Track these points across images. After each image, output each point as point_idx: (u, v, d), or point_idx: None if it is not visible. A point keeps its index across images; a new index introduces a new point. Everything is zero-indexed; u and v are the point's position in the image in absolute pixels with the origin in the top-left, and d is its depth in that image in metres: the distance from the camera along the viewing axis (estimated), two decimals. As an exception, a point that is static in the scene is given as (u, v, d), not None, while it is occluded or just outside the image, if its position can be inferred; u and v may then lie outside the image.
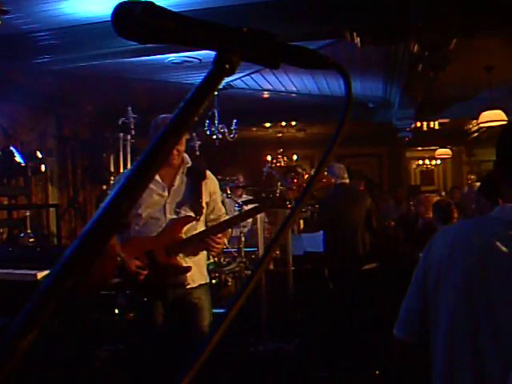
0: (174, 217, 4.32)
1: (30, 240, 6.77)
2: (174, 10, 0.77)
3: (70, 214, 10.60)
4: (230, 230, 4.69)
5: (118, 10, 0.79)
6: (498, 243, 1.85)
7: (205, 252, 4.53)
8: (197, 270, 4.40)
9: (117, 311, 6.11)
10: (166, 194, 4.36)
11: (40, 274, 2.95)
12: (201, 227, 4.40)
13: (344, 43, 6.29)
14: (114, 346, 5.91)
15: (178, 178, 4.40)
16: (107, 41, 6.67)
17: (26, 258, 3.28)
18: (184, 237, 4.31)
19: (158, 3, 0.77)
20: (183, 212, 4.34)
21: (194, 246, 4.30)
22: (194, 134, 9.98)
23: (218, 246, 4.27)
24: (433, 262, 2.03)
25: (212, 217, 4.53)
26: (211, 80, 0.71)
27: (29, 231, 6.93)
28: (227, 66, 0.72)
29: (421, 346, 2.13)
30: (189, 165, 4.47)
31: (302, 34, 6.19)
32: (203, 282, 4.48)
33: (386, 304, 6.71)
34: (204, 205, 4.43)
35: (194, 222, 4.35)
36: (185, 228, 4.32)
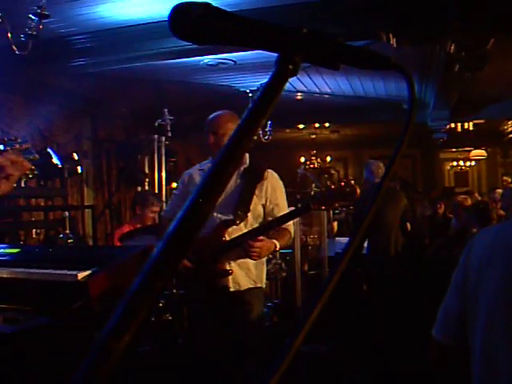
0: (222, 219, 4.28)
1: (69, 241, 6.83)
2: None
3: (105, 215, 10.67)
4: (288, 232, 4.46)
5: (176, 11, 0.79)
6: None
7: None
8: (243, 273, 4.35)
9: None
10: None
11: (80, 275, 2.96)
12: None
13: (380, 44, 6.25)
14: (151, 346, 5.94)
15: (232, 179, 4.36)
16: (142, 43, 6.72)
17: (67, 259, 3.30)
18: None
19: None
20: (227, 215, 4.29)
21: (233, 250, 4.25)
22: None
23: (255, 250, 4.12)
24: (473, 263, 2.02)
25: (271, 219, 4.40)
26: (277, 81, 0.71)
27: (67, 232, 7.00)
28: (291, 67, 0.72)
29: (459, 348, 2.12)
30: (246, 165, 4.41)
31: (338, 35, 6.16)
32: (252, 286, 4.40)
33: (418, 307, 6.69)
34: (253, 208, 4.33)
35: (242, 225, 4.30)
36: (228, 231, 4.26)
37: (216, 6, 0.78)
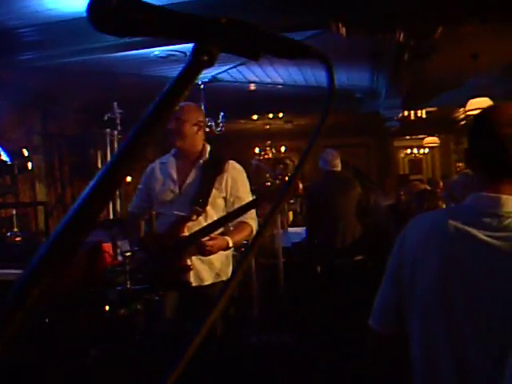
0: (179, 214, 4.24)
1: (17, 239, 6.72)
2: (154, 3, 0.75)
3: (58, 211, 10.55)
4: (248, 227, 4.38)
5: (93, 3, 0.76)
6: (472, 229, 1.86)
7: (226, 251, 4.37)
8: (205, 267, 4.30)
9: (107, 308, 6.08)
10: (177, 190, 4.32)
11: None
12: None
13: (330, 34, 6.25)
14: (105, 344, 5.88)
15: (192, 173, 4.34)
16: (91, 36, 6.62)
17: (13, 257, 3.25)
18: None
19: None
20: (186, 210, 4.24)
21: (191, 245, 4.19)
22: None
23: (207, 248, 4.06)
24: (408, 249, 2.02)
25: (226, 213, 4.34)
26: (189, 72, 0.69)
27: (15, 230, 6.88)
28: (206, 58, 0.70)
29: (396, 336, 2.12)
30: (205, 158, 4.38)
31: (287, 25, 6.15)
32: (215, 281, 4.35)
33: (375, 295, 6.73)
34: (212, 201, 4.28)
35: (202, 220, 4.23)
36: (188, 226, 4.21)
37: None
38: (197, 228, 4.19)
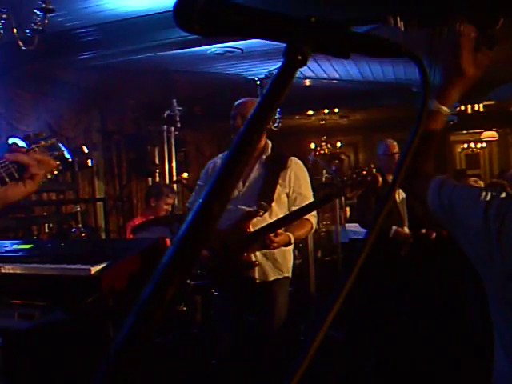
0: (246, 210, 4.23)
1: (82, 235, 6.83)
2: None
3: (117, 207, 10.69)
4: (309, 223, 4.40)
5: (181, 2, 0.77)
6: None
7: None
8: (269, 264, 4.31)
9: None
10: (241, 185, 4.29)
11: (94, 269, 2.96)
12: None
13: (387, 27, 6.20)
14: (165, 337, 5.95)
15: (255, 168, 4.33)
16: (148, 34, 6.70)
17: (80, 253, 3.30)
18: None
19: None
20: (252, 206, 4.24)
21: (256, 241, 4.18)
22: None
23: (274, 244, 4.06)
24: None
25: (294, 208, 4.34)
26: (286, 72, 0.70)
27: (80, 226, 7.00)
28: (299, 57, 0.70)
29: None
30: (268, 154, 4.39)
31: (345, 20, 6.12)
32: (279, 277, 4.36)
33: (433, 290, 6.66)
34: (277, 198, 4.28)
35: (267, 216, 4.23)
36: (252, 222, 4.20)
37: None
38: (261, 223, 4.19)
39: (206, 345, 5.27)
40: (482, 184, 9.92)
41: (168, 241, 4.09)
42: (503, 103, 14.30)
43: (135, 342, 0.52)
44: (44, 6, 5.02)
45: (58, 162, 2.16)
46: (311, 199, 4.44)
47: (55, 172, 2.18)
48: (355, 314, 6.28)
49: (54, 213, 8.84)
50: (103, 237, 9.42)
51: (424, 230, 6.18)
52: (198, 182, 4.77)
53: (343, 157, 16.96)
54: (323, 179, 9.27)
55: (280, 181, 4.32)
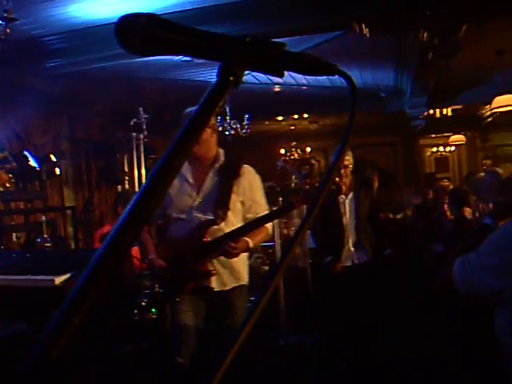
0: (202, 219, 4.23)
1: (47, 245, 6.76)
2: (162, 12, 0.77)
3: (86, 216, 10.63)
4: (265, 229, 4.38)
5: (121, 23, 0.79)
6: None
7: (244, 253, 4.37)
8: (226, 272, 4.30)
9: (136, 311, 6.14)
10: (195, 194, 4.28)
11: (58, 279, 2.95)
12: (230, 229, 4.22)
13: (353, 34, 6.25)
14: (136, 345, 5.94)
15: (209, 177, 4.31)
16: (115, 42, 6.67)
17: (44, 264, 3.28)
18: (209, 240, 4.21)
19: (142, 8, 0.77)
20: (208, 214, 4.25)
21: (214, 250, 4.17)
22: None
23: (235, 251, 4.07)
24: None
25: (249, 216, 4.35)
26: (217, 92, 0.71)
27: (45, 235, 6.94)
28: (231, 78, 0.72)
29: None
30: (221, 162, 4.36)
31: (311, 27, 6.17)
32: (236, 285, 4.35)
33: (399, 294, 6.71)
34: (232, 206, 4.27)
35: (223, 224, 4.23)
36: (208, 231, 4.20)
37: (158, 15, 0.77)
38: (217, 232, 4.20)
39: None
40: (451, 186, 10.05)
41: (133, 249, 4.10)
42: (471, 107, 14.45)
43: (60, 333, 0.53)
44: (5, 15, 4.99)
45: (10, 175, 2.15)
46: (265, 206, 4.46)
47: (7, 185, 2.17)
48: (327, 318, 6.32)
49: (22, 222, 8.76)
50: (72, 245, 9.36)
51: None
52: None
53: (313, 162, 17.04)
54: (292, 185, 9.29)
55: (234, 189, 4.31)
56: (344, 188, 5.83)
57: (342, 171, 5.90)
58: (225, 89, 0.71)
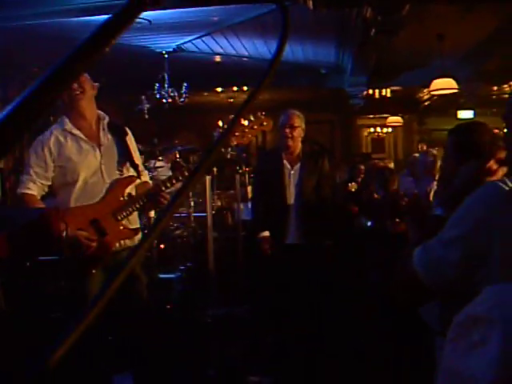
0: (113, 179, 4.12)
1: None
2: None
3: (15, 177, 10.38)
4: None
5: None
6: None
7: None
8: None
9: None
10: (99, 154, 4.12)
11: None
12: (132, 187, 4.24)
13: (297, 6, 6.17)
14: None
15: (101, 135, 4.18)
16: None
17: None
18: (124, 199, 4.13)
19: None
20: (124, 172, 4.19)
21: (143, 205, 4.13)
22: (144, 97, 9.85)
23: (166, 201, 4.09)
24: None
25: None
26: (130, 7, 0.60)
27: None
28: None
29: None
30: (107, 120, 4.27)
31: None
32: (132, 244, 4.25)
33: (338, 269, 6.73)
34: (137, 162, 4.29)
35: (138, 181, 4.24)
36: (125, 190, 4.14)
37: None
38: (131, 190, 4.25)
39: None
40: (391, 165, 10.13)
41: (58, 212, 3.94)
42: (409, 89, 14.60)
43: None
44: None
45: None
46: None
47: None
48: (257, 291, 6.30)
49: None
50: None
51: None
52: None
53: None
54: (228, 156, 9.22)
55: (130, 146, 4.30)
56: (291, 155, 5.63)
57: (288, 131, 5.60)
58: (140, 5, 0.61)
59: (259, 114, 4.65)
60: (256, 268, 6.34)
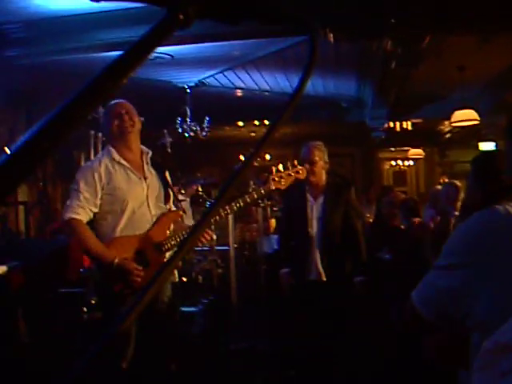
0: (159, 212, 4.20)
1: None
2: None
3: (39, 210, 10.45)
4: None
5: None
6: None
7: None
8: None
9: (85, 309, 6.01)
10: (145, 186, 4.19)
11: (1, 269, 2.87)
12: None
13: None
14: (84, 344, 5.81)
15: (145, 168, 4.25)
16: (78, 34, 6.58)
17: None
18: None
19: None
20: (165, 207, 4.27)
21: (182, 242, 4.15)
22: (166, 131, 9.92)
23: (209, 237, 4.31)
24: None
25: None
26: (162, 27, 0.63)
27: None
28: (181, 17, 0.64)
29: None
30: (150, 154, 4.33)
31: (273, 30, 6.13)
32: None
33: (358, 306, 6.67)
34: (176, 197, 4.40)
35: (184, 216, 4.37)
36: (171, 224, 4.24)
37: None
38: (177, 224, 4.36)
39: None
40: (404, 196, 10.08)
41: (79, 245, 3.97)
42: (430, 122, 14.58)
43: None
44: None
45: None
46: None
47: None
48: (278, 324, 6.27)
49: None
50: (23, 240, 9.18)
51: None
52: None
53: (272, 169, 16.98)
54: (250, 191, 9.25)
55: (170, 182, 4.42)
56: (315, 188, 5.47)
57: (308, 167, 5.27)
58: (172, 25, 0.63)
59: (296, 162, 4.72)
60: (278, 303, 6.31)
